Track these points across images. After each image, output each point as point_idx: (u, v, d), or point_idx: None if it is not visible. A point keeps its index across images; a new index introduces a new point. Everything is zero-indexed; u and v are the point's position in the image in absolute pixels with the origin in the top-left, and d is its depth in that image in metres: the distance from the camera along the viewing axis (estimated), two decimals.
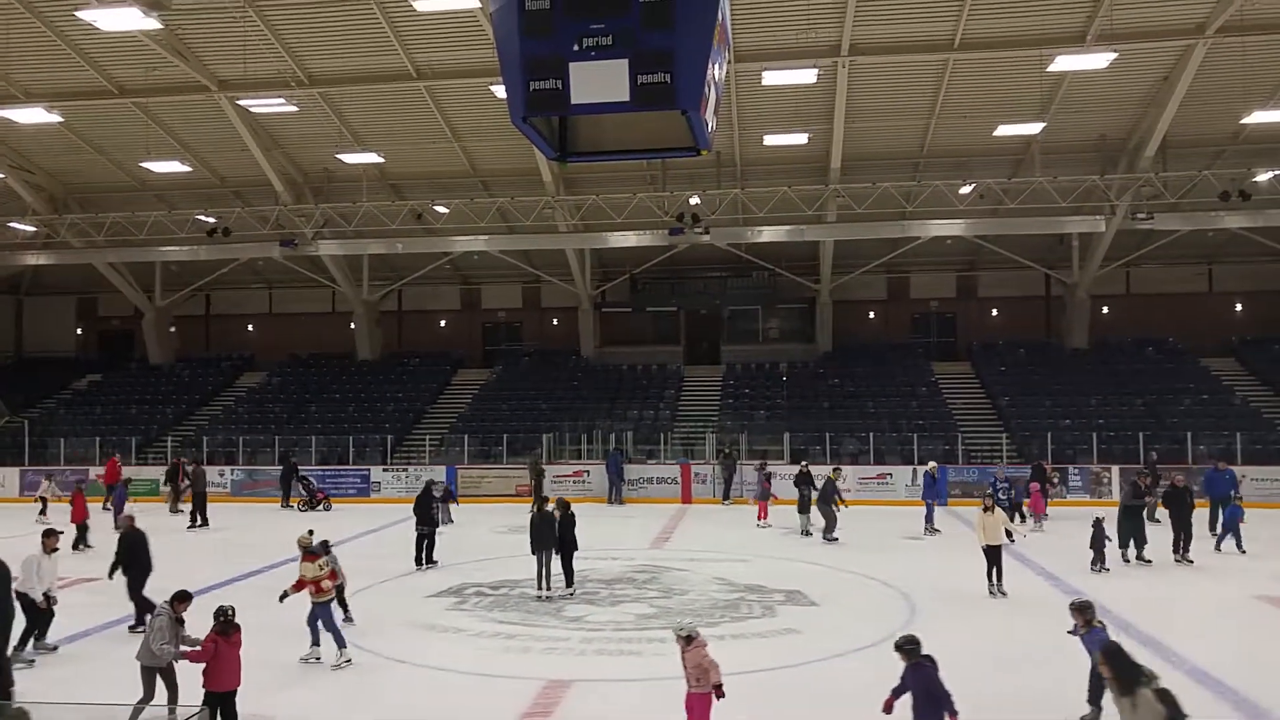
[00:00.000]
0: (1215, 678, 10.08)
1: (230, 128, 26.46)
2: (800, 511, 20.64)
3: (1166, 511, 17.37)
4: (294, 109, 24.86)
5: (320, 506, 25.91)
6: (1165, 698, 5.70)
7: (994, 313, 35.59)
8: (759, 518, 21.98)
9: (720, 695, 7.83)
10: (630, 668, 10.86)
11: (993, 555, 14.29)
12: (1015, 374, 31.88)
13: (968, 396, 31.66)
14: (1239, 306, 34.23)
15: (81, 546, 18.97)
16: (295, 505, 26.03)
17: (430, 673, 10.78)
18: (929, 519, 20.63)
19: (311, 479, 26.60)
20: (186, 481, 24.89)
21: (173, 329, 38.36)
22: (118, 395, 35.34)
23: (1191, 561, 16.58)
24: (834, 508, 19.38)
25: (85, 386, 36.62)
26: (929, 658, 7.40)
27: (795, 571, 16.11)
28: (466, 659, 11.20)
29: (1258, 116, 23.97)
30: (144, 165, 28.08)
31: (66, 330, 40.51)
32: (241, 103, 24.66)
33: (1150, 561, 16.39)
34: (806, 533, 20.17)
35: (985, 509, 14.51)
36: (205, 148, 28.85)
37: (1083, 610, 8.71)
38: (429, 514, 17.39)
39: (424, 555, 17.06)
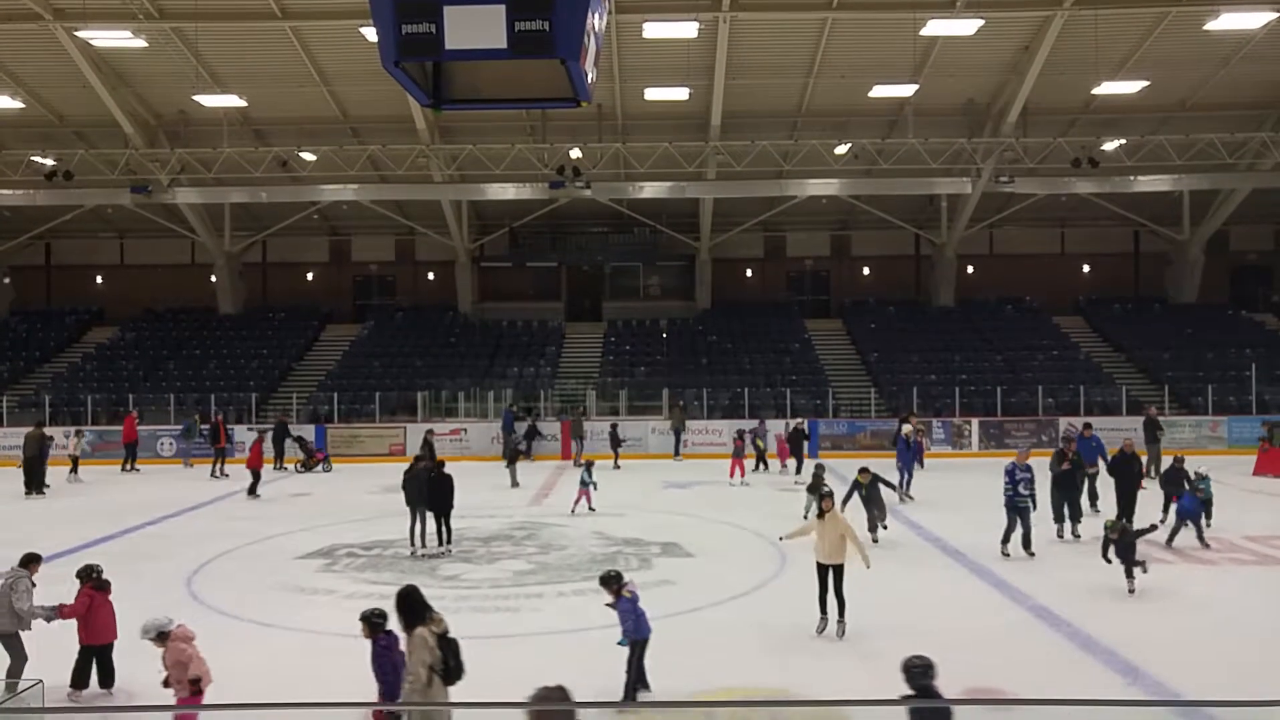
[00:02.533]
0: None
1: (69, 62, 24.34)
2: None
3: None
4: (142, 44, 22.98)
5: (320, 468, 24.43)
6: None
7: (866, 271, 36.70)
8: (731, 474, 21.26)
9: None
10: (506, 624, 10.74)
11: (828, 575, 10.08)
12: (885, 331, 33.04)
13: (839, 353, 32.65)
14: (1086, 268, 36.41)
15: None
16: (291, 466, 24.44)
17: (301, 636, 10.39)
18: (904, 485, 18.38)
19: (307, 439, 24.98)
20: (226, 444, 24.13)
21: (6, 279, 35.42)
22: None
23: (1078, 537, 14.47)
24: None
25: None
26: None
27: (672, 524, 16.28)
28: (338, 621, 10.80)
29: (1106, 88, 25.32)
30: None
31: None
32: (81, 34, 22.52)
33: (1079, 538, 14.36)
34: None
35: (822, 511, 10.41)
36: (40, 82, 26.46)
37: (608, 582, 8.57)
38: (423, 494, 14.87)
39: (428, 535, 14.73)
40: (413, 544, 14.23)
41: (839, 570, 10.04)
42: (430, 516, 14.33)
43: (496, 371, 30.48)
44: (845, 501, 13.61)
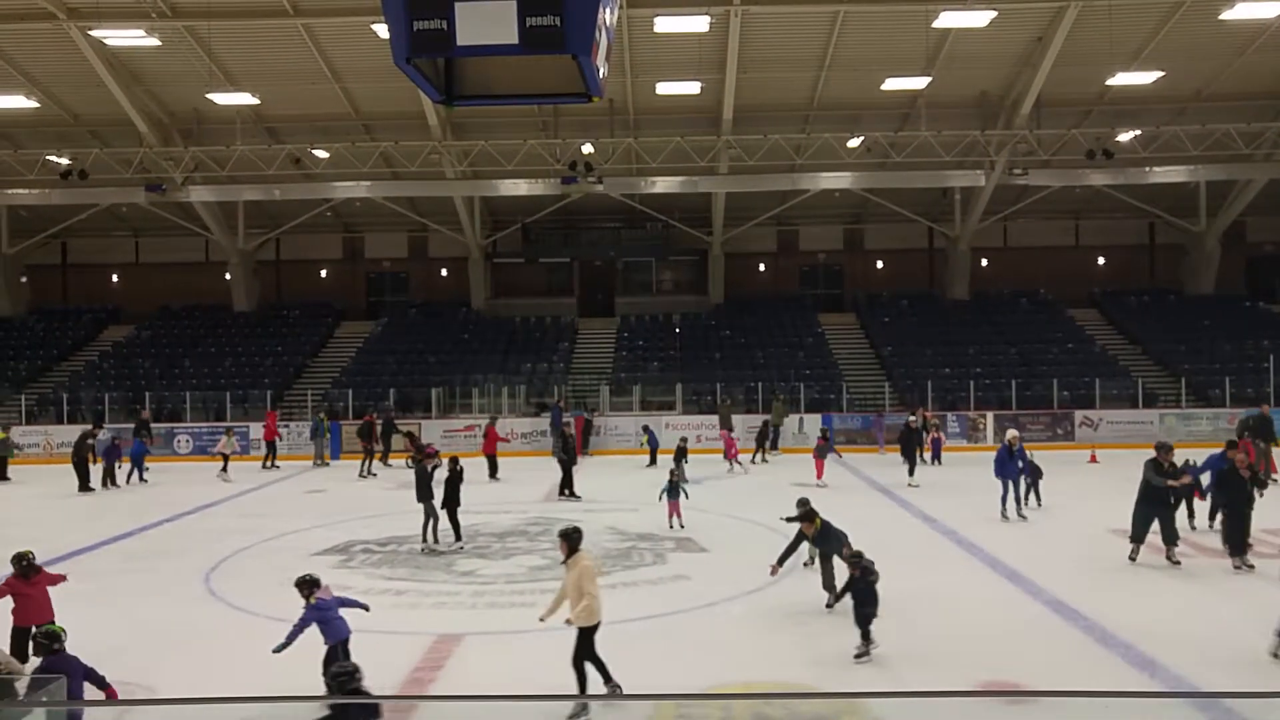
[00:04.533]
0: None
1: (83, 61, 24.48)
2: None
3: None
4: (156, 43, 23.09)
5: (432, 465, 23.86)
6: None
7: (879, 265, 36.56)
8: (818, 476, 19.95)
9: None
10: (522, 619, 10.72)
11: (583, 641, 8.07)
12: (898, 325, 32.92)
13: (853, 346, 32.55)
14: (1100, 260, 36.16)
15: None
16: (405, 462, 23.18)
17: (317, 631, 10.41)
18: (1016, 500, 15.84)
19: (416, 434, 24.44)
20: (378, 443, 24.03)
21: (23, 279, 35.70)
22: None
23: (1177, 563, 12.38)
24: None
25: None
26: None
27: (686, 520, 16.27)
28: (353, 616, 10.87)
29: (1121, 78, 25.11)
30: None
31: None
32: (94, 33, 22.64)
33: (1179, 564, 12.34)
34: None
35: (565, 558, 8.36)
36: (55, 82, 26.60)
37: (301, 586, 8.22)
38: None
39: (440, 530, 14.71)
40: (424, 540, 14.31)
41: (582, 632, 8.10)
42: (443, 514, 14.42)
43: (510, 368, 30.53)
44: (784, 559, 10.77)
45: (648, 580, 12.25)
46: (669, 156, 27.92)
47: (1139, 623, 9.98)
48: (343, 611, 8.36)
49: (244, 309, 34.78)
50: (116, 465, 21.64)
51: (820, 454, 20.31)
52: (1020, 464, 15.89)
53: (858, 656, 8.99)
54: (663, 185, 29.31)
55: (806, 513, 10.93)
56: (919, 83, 25.56)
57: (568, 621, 8.14)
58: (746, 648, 9.60)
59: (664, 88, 26.02)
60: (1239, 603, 10.84)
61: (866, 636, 9.07)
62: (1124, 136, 27.43)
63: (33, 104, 26.40)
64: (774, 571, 10.76)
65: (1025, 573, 12.22)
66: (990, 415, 26.99)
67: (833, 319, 34.25)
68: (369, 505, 18.45)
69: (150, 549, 14.84)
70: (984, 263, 35.39)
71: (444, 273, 36.69)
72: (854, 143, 27.92)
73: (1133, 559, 12.53)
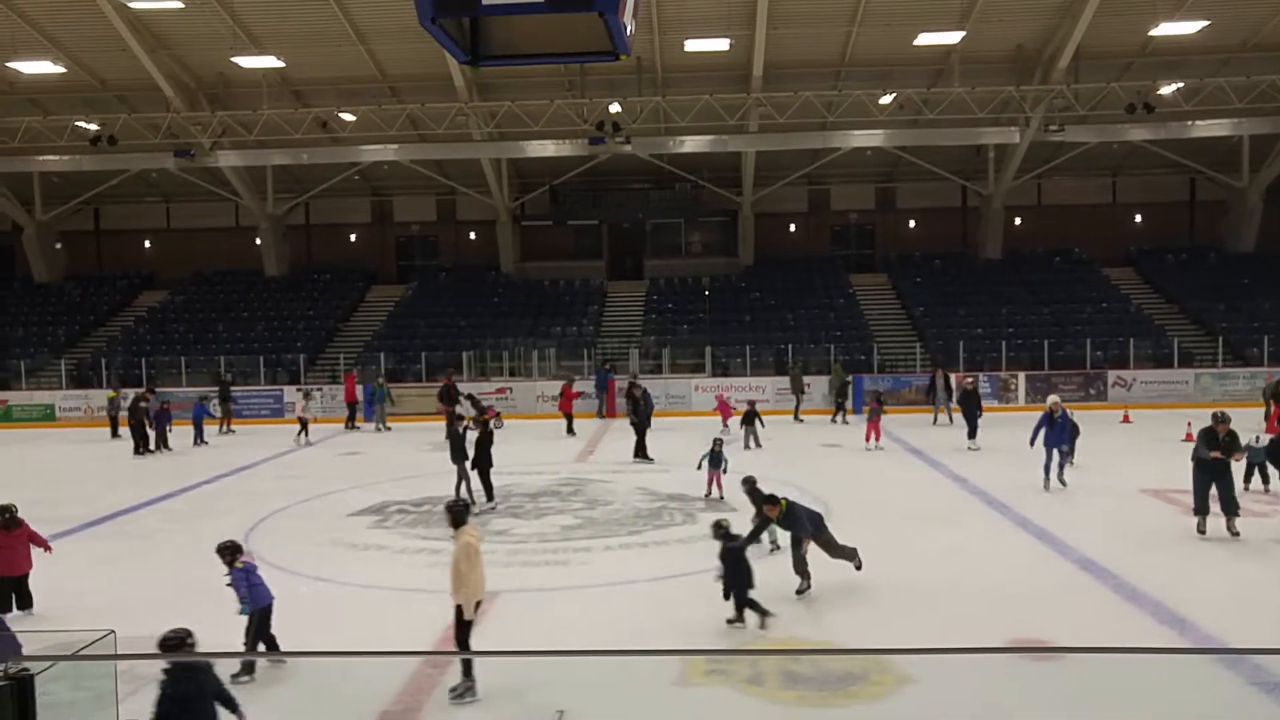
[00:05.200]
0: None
1: (107, 24, 24.48)
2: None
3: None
4: (179, 5, 23.04)
5: (493, 424, 24.08)
6: None
7: (911, 224, 36.06)
8: (869, 439, 19.61)
9: None
10: (556, 577, 10.88)
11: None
12: (930, 285, 32.54)
13: (884, 307, 32.25)
14: (1138, 218, 35.40)
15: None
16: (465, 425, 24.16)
17: (354, 590, 10.62)
18: (1054, 469, 14.87)
19: (478, 397, 24.06)
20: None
21: (59, 245, 36.16)
22: (1, 316, 33.33)
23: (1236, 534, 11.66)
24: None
25: None
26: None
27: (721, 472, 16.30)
28: (390, 576, 11.07)
29: (1164, 28, 24.38)
30: (11, 65, 25.87)
31: None
32: None
33: (1237, 535, 11.63)
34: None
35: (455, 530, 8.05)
36: (80, 46, 26.62)
37: (222, 552, 8.26)
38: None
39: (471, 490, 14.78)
40: (458, 500, 14.44)
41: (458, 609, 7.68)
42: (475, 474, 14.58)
43: (540, 331, 30.59)
44: (747, 543, 9.52)
45: (678, 540, 12.32)
46: (698, 115, 27.58)
47: (1169, 582, 9.91)
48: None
49: (275, 273, 35.05)
50: (167, 428, 21.95)
51: (873, 416, 19.85)
52: (1063, 432, 14.94)
53: (730, 621, 8.91)
54: (691, 145, 29.00)
55: (769, 495, 10.06)
56: (953, 37, 24.98)
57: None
58: (775, 606, 9.62)
59: (693, 45, 25.63)
60: (1276, 564, 10.72)
61: (741, 607, 8.93)
62: (1166, 89, 26.70)
63: (60, 69, 26.50)
64: (807, 541, 10.06)
65: (1054, 532, 12.15)
66: (1022, 375, 26.71)
67: (864, 279, 33.90)
68: (403, 467, 18.64)
69: (191, 509, 15.14)
70: (1017, 221, 34.79)
71: (472, 236, 36.68)
72: (886, 100, 27.41)
73: (1201, 532, 11.68)
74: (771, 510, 9.91)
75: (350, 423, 25.12)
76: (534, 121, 27.70)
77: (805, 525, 9.82)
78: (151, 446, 21.35)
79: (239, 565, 8.12)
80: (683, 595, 10.11)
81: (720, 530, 9.25)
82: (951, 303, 31.10)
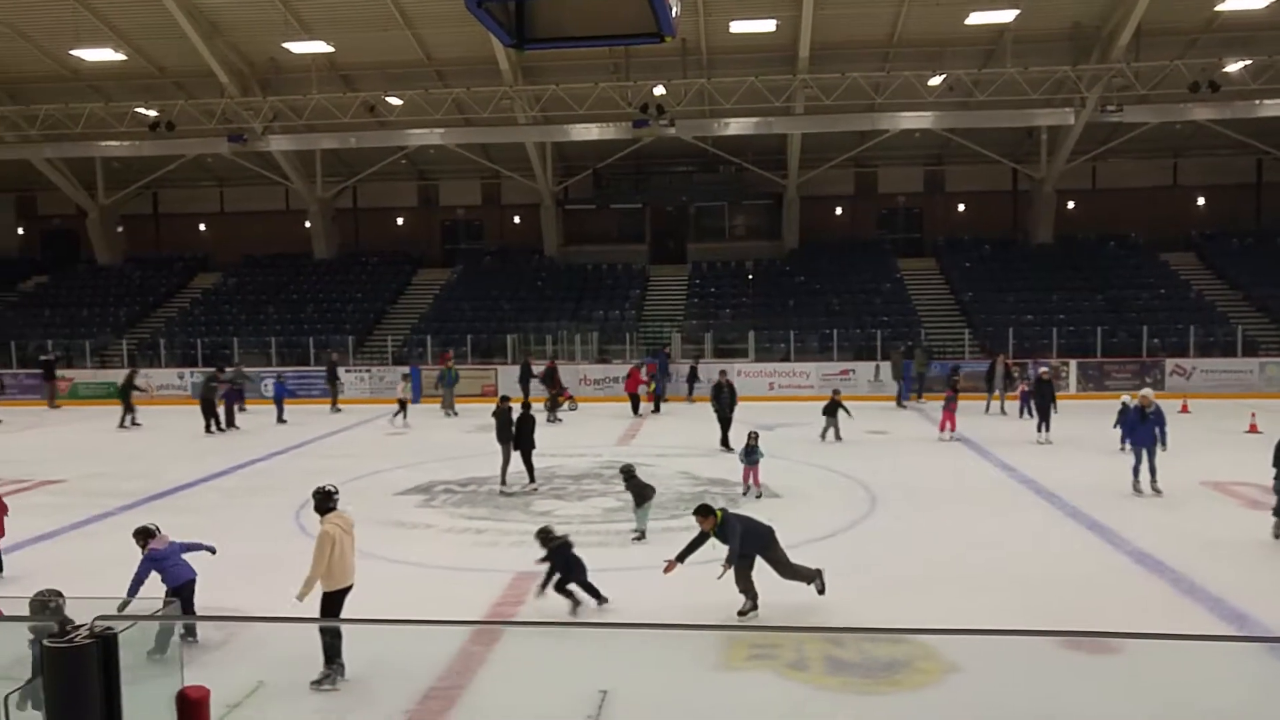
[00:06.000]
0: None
1: (165, 12, 24.96)
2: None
3: None
4: None
5: (567, 406, 23.49)
6: None
7: (960, 208, 35.47)
8: (943, 428, 18.71)
9: None
10: (598, 559, 10.89)
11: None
12: (979, 269, 31.99)
13: (932, 292, 31.79)
14: (1200, 201, 34.41)
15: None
16: (542, 406, 23.31)
17: (401, 567, 10.77)
18: (1151, 471, 13.44)
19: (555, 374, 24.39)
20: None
21: (120, 228, 37.05)
22: (67, 297, 34.31)
23: None
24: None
25: (32, 288, 35.50)
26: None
27: (762, 466, 16.22)
28: (437, 553, 11.21)
29: (1231, 3, 23.58)
30: (74, 53, 26.52)
31: (7, 229, 39.01)
32: None
33: None
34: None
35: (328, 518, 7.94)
36: (140, 34, 27.18)
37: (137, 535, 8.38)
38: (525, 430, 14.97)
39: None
40: (502, 481, 14.61)
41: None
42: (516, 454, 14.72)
43: (582, 314, 30.68)
44: (683, 556, 9.01)
45: (758, 501, 12.28)
46: (743, 97, 27.35)
47: (1230, 578, 9.65)
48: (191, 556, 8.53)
49: (324, 256, 35.56)
50: (236, 408, 22.29)
51: (949, 405, 18.71)
52: (1156, 429, 13.39)
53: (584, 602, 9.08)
54: (736, 127, 28.78)
55: (703, 507, 9.23)
56: (1006, 16, 24.42)
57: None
58: (808, 592, 9.58)
59: (738, 26, 25.38)
60: None
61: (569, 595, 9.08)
62: (1232, 67, 25.82)
63: (120, 57, 27.13)
64: (668, 569, 8.90)
65: (1108, 524, 11.90)
66: (1074, 363, 26.17)
67: (912, 264, 33.44)
68: (449, 447, 18.85)
69: (245, 486, 15.48)
70: (1070, 205, 34.04)
71: (516, 219, 36.86)
72: (936, 81, 26.91)
73: (1277, 536, 11.05)
74: (704, 523, 9.01)
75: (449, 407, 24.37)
76: (578, 105, 27.68)
77: (735, 543, 8.72)
78: (222, 425, 21.58)
79: (146, 552, 8.24)
80: (725, 579, 10.10)
81: (544, 535, 9.30)
82: (1001, 288, 30.55)
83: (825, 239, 34.63)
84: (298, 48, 26.21)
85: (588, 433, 20.58)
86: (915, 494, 13.95)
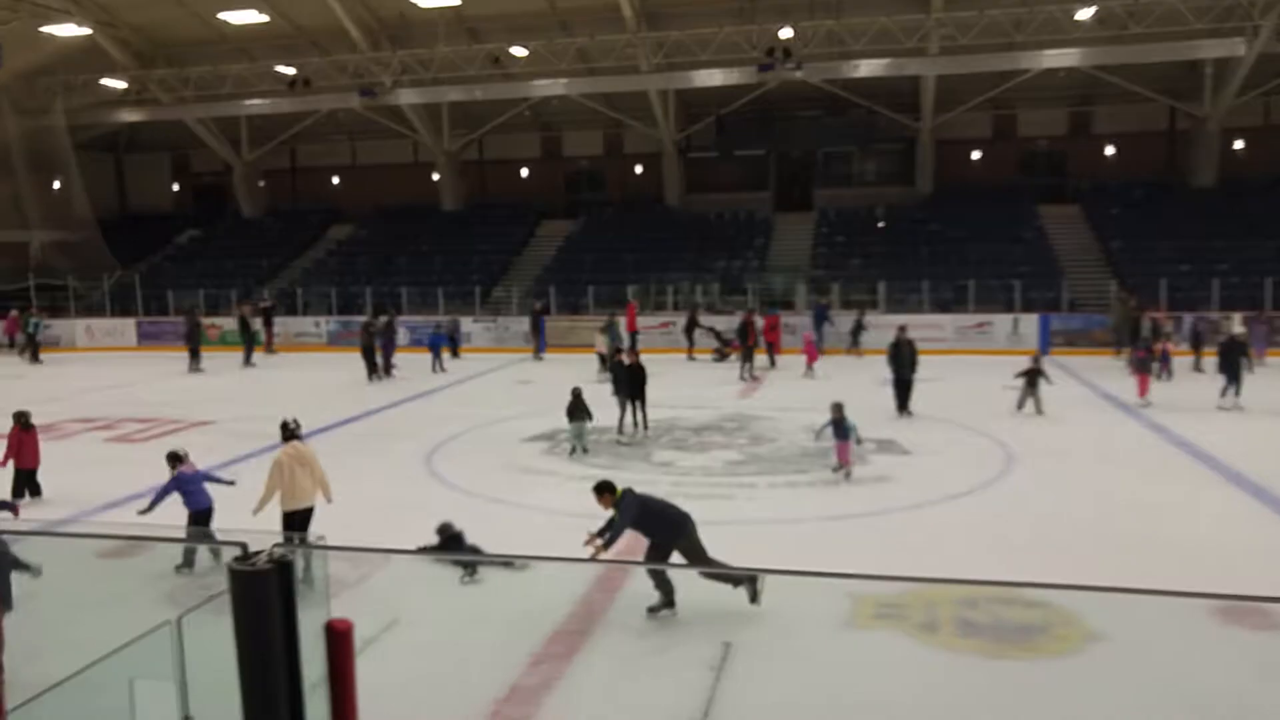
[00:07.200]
0: None
1: None
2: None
3: None
4: None
5: (733, 358, 23.05)
6: None
7: (1109, 151, 33.17)
8: (1142, 393, 16.74)
9: None
10: (721, 511, 10.83)
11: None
12: (1130, 216, 29.92)
13: (1076, 241, 29.97)
14: None
15: None
16: (710, 356, 23.78)
17: (528, 512, 10.97)
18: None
19: (721, 330, 24.40)
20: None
21: (261, 183, 38.85)
22: (216, 248, 36.34)
23: None
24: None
25: (186, 241, 37.76)
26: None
27: (889, 421, 15.76)
28: (561, 499, 11.37)
29: None
30: (222, 16, 27.66)
31: (163, 186, 41.49)
32: None
33: None
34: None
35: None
36: None
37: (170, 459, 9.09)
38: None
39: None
40: (619, 430, 14.76)
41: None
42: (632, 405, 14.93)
43: (704, 265, 30.37)
44: (603, 534, 7.93)
45: (848, 481, 11.99)
46: (874, 38, 26.16)
47: None
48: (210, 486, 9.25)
49: (451, 208, 36.35)
50: (392, 355, 22.50)
51: (1143, 368, 16.82)
52: None
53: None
54: (867, 69, 27.60)
55: (604, 484, 8.14)
56: None
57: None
58: (950, 552, 9.24)
59: None
60: None
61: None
62: None
63: (264, 18, 28.21)
64: (589, 541, 7.84)
65: (1275, 490, 11.01)
66: (1237, 317, 24.19)
67: (1053, 211, 31.55)
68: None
69: (376, 431, 16.09)
70: (1237, 145, 31.27)
71: (638, 169, 36.66)
72: (1084, 14, 25.02)
73: None
74: (602, 501, 8.02)
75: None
76: (702, 50, 27.09)
77: (621, 523, 7.76)
78: (380, 374, 21.79)
79: (174, 473, 9.01)
80: (853, 535, 9.87)
81: (444, 530, 8.88)
82: (1153, 235, 28.49)
83: (961, 185, 33.05)
84: (426, 1, 26.54)
85: (710, 387, 20.43)
86: (1056, 454, 13.26)
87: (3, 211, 33.23)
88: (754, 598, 7.54)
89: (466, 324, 28.35)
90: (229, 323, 29.18)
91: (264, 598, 2.49)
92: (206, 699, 3.08)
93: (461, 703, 6.42)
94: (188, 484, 8.98)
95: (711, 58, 27.47)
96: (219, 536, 9.27)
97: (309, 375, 23.33)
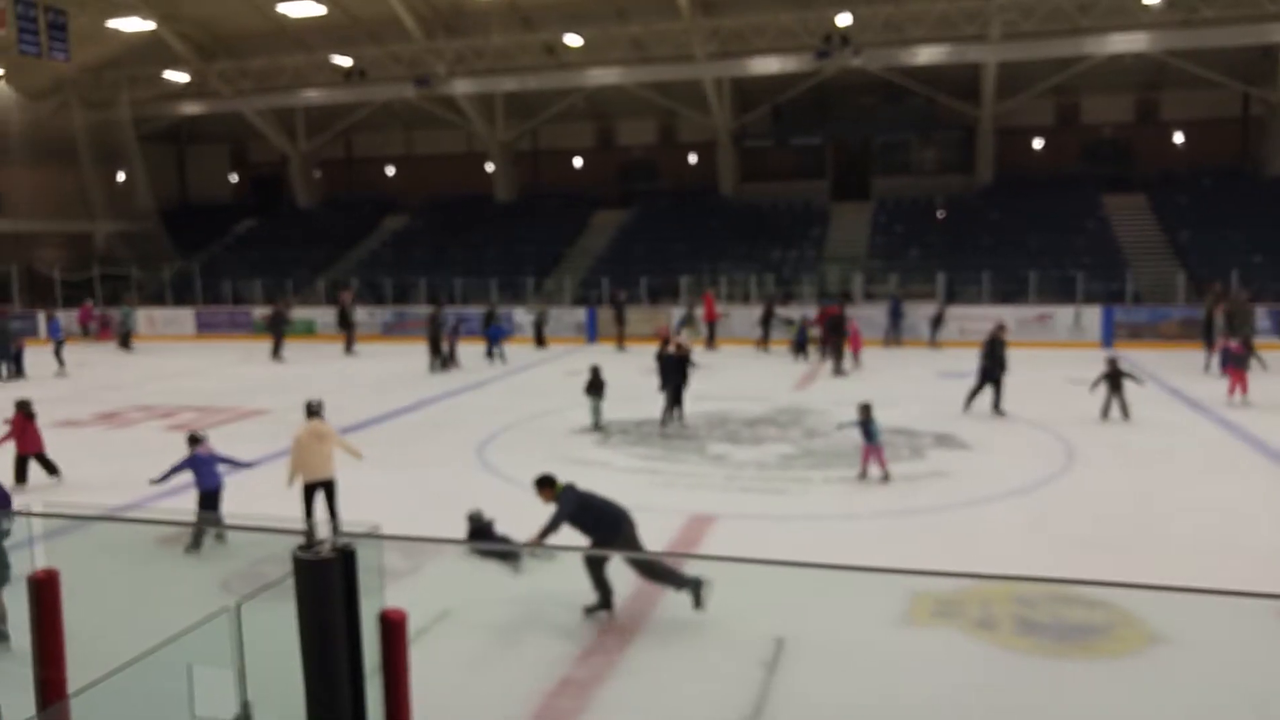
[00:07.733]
0: None
1: None
2: None
3: None
4: None
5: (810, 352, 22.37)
6: None
7: (1177, 139, 32.12)
8: (1233, 391, 15.85)
9: None
10: (774, 505, 10.73)
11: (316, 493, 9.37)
12: (1199, 205, 28.95)
13: (1141, 231, 29.09)
14: None
15: None
16: (787, 349, 23.13)
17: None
18: None
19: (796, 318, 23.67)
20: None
21: (317, 173, 39.46)
22: (272, 239, 37.02)
23: None
24: None
25: (243, 231, 38.53)
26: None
27: (948, 415, 15.46)
28: (614, 491, 11.30)
29: None
30: (281, 9, 28.10)
31: (222, 177, 42.41)
32: None
33: None
34: None
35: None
36: None
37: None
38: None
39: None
40: (662, 422, 14.74)
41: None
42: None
43: (758, 255, 30.10)
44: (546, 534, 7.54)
45: (904, 476, 11.77)
46: (933, 24, 25.64)
47: None
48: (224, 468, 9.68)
49: (504, 198, 36.54)
50: (455, 345, 22.63)
51: (1238, 363, 15.93)
52: None
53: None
54: (926, 56, 27.07)
55: (542, 479, 7.80)
56: None
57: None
58: (1007, 549, 9.01)
59: None
60: None
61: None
62: None
63: (321, 10, 28.57)
64: (533, 542, 7.59)
65: None
66: None
67: (1118, 201, 30.66)
68: (625, 388, 18.97)
69: (429, 421, 16.23)
70: None
71: (692, 159, 36.46)
72: None
73: None
74: (542, 494, 7.75)
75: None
76: (757, 38, 26.79)
77: (556, 518, 7.49)
78: (445, 363, 21.81)
79: (190, 453, 9.41)
80: (910, 531, 9.69)
81: (474, 519, 8.31)
82: (1224, 225, 27.52)
83: (1023, 173, 32.28)
84: None
85: (763, 378, 20.25)
86: (1119, 451, 12.87)
87: (69, 203, 34.30)
88: (698, 603, 7.23)
89: (520, 314, 28.45)
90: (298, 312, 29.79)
91: (327, 586, 2.52)
92: (261, 684, 3.10)
93: (511, 694, 6.42)
94: (201, 464, 9.44)
95: (767, 45, 27.15)
96: (225, 519, 9.95)
97: (367, 366, 23.62)
